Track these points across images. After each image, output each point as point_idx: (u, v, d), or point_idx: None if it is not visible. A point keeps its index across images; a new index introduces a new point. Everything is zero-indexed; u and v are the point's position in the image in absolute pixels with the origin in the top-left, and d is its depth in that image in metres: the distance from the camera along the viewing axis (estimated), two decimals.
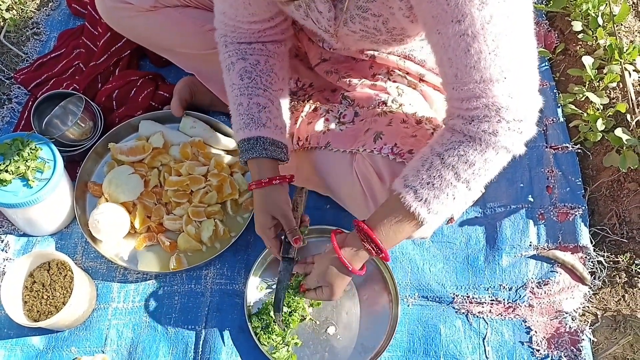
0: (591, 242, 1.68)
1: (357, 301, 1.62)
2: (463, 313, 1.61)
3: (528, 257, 1.67)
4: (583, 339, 1.55)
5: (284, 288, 1.45)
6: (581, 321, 1.59)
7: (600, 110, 1.77)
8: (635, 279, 1.63)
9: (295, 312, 1.55)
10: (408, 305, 1.62)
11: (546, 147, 1.82)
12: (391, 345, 1.54)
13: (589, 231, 1.69)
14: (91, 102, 1.83)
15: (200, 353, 1.55)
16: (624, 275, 1.64)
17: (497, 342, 1.57)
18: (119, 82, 1.92)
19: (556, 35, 2.02)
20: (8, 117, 1.93)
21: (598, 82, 1.82)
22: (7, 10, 2.18)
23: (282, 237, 1.45)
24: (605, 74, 1.78)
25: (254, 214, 1.44)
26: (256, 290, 1.62)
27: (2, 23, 2.15)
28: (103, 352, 1.57)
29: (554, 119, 1.86)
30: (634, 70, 1.79)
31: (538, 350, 1.55)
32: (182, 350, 1.56)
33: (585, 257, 1.66)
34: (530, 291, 1.63)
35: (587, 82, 1.82)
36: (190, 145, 1.79)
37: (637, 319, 1.58)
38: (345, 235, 1.32)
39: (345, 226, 1.53)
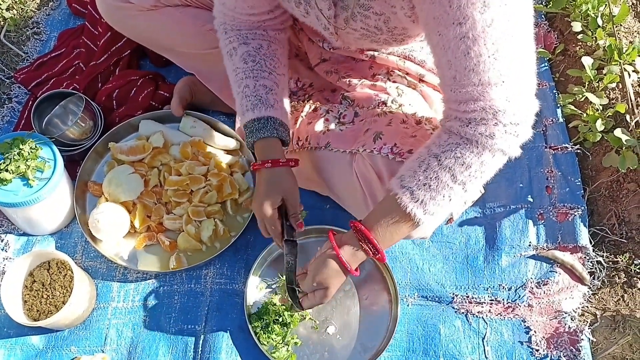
0: (590, 242, 1.68)
1: (356, 301, 1.62)
2: (462, 313, 1.61)
3: (527, 257, 1.67)
4: (582, 339, 1.56)
5: (292, 270, 1.41)
6: (580, 321, 1.59)
7: (599, 111, 1.78)
8: (635, 279, 1.63)
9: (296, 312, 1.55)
10: (408, 305, 1.62)
11: (546, 148, 1.82)
12: (391, 345, 1.54)
13: (588, 231, 1.70)
14: (91, 102, 1.83)
15: (200, 352, 1.55)
16: (623, 275, 1.64)
17: (497, 341, 1.57)
18: (119, 81, 1.92)
19: (556, 35, 2.02)
20: (8, 117, 1.93)
21: (597, 82, 1.82)
22: (8, 9, 2.18)
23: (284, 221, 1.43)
24: (605, 75, 1.79)
25: (256, 196, 1.41)
26: (256, 289, 1.63)
27: (2, 22, 2.15)
28: (103, 352, 1.57)
29: (554, 120, 1.86)
30: (633, 71, 1.80)
31: (537, 350, 1.56)
32: (182, 350, 1.56)
33: (585, 257, 1.66)
34: (529, 291, 1.63)
35: (587, 83, 1.83)
36: (190, 145, 1.79)
37: (636, 319, 1.58)
38: (341, 236, 1.32)
39: (345, 226, 1.53)
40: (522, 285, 1.64)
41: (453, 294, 1.63)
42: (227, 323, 1.59)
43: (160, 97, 1.93)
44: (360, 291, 1.63)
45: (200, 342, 1.57)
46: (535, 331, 1.58)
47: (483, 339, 1.58)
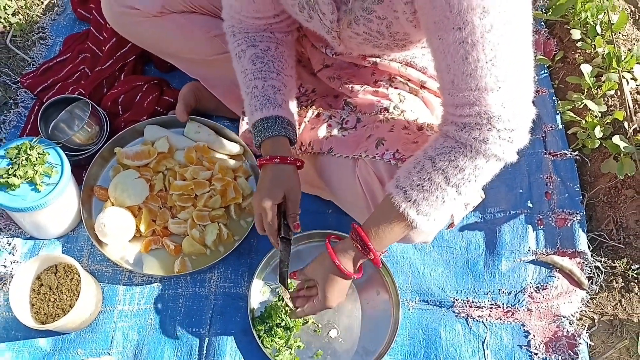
0: (589, 248, 1.70)
1: (358, 305, 1.64)
2: (463, 317, 1.63)
3: (527, 262, 1.70)
4: (580, 343, 1.58)
5: (286, 267, 1.44)
6: (578, 325, 1.62)
7: (598, 118, 1.80)
8: (632, 284, 1.65)
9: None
10: (409, 309, 1.64)
11: (545, 154, 1.84)
12: (392, 349, 1.56)
13: (587, 237, 1.72)
14: (97, 107, 1.85)
15: (204, 355, 1.57)
16: (621, 280, 1.66)
17: (497, 345, 1.60)
18: (125, 87, 1.95)
19: (555, 43, 2.04)
20: (15, 122, 1.95)
21: (596, 89, 1.84)
22: (14, 14, 2.20)
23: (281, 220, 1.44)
24: (604, 82, 1.81)
25: (258, 190, 1.42)
26: (259, 293, 1.65)
27: (8, 27, 2.18)
28: (109, 354, 1.59)
29: (553, 126, 1.89)
30: (631, 79, 1.82)
31: (536, 354, 1.58)
32: (187, 353, 1.58)
33: (583, 262, 1.68)
34: (529, 295, 1.65)
35: (586, 90, 1.85)
36: (194, 150, 1.81)
37: (633, 323, 1.60)
38: (342, 241, 1.35)
39: (347, 230, 1.54)
40: (521, 290, 1.66)
41: (454, 298, 1.66)
42: (231, 326, 1.61)
43: (165, 103, 1.96)
44: (362, 295, 1.65)
45: (205, 345, 1.59)
46: (534, 335, 1.60)
47: (483, 342, 1.60)
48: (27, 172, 1.57)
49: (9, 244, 1.73)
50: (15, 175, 1.56)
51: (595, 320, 1.62)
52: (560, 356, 1.57)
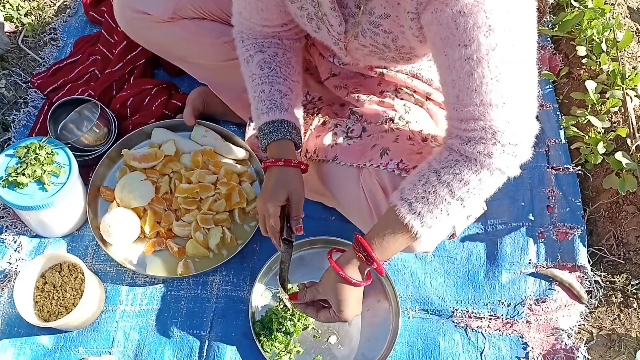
0: (589, 262, 1.71)
1: None
2: (462, 327, 1.64)
3: (527, 275, 1.71)
4: (578, 357, 1.59)
5: (287, 268, 1.45)
6: (577, 339, 1.62)
7: (601, 134, 1.81)
8: (631, 299, 1.66)
9: (298, 320, 1.59)
10: (408, 318, 1.65)
11: (548, 168, 1.86)
12: (391, 357, 1.57)
13: (587, 251, 1.73)
14: (106, 109, 1.87)
15: (204, 357, 1.58)
16: (620, 295, 1.67)
17: (495, 356, 1.61)
18: (134, 90, 1.97)
19: (561, 58, 2.06)
20: (24, 121, 1.97)
21: (600, 106, 1.86)
22: (26, 15, 2.23)
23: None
24: (608, 99, 1.82)
25: (262, 192, 1.43)
26: (261, 297, 1.66)
27: (20, 28, 2.20)
28: (110, 353, 1.60)
29: (556, 141, 1.90)
30: (635, 96, 1.83)
31: None
32: (187, 354, 1.59)
33: (583, 276, 1.69)
34: (528, 308, 1.66)
35: (590, 106, 1.87)
36: (201, 154, 1.83)
37: (631, 338, 1.61)
38: (344, 253, 1.35)
39: (350, 237, 1.57)
40: (521, 302, 1.67)
41: (453, 308, 1.67)
42: (231, 329, 1.62)
43: (173, 106, 1.97)
44: (363, 302, 1.64)
45: (205, 347, 1.60)
46: (532, 347, 1.61)
47: (481, 353, 1.61)
48: (35, 171, 1.59)
49: (15, 242, 1.75)
50: (23, 174, 1.58)
51: (594, 335, 1.63)
52: None
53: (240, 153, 1.86)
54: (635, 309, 1.65)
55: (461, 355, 1.60)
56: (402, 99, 1.58)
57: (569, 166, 1.85)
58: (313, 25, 1.36)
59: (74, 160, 1.66)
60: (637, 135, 1.77)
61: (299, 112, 1.48)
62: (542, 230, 1.77)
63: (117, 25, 1.91)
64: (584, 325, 1.65)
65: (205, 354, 1.59)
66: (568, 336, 1.62)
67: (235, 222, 1.78)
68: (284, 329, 1.58)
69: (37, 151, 1.61)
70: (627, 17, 2.12)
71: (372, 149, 1.45)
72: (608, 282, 1.69)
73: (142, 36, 1.82)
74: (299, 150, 1.48)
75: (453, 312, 1.66)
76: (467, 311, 1.66)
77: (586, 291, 1.67)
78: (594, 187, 1.83)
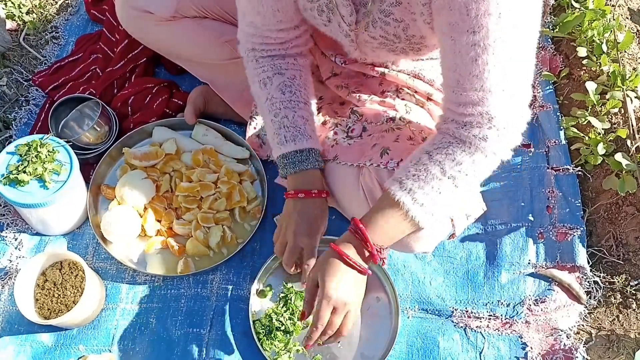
0: (588, 263, 1.72)
1: (358, 311, 1.65)
2: (461, 327, 1.65)
3: (526, 275, 1.71)
4: (577, 357, 1.59)
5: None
6: (576, 339, 1.63)
7: (601, 135, 1.82)
8: (630, 300, 1.67)
9: (298, 319, 1.59)
10: (408, 317, 1.66)
11: (548, 168, 1.86)
12: (390, 356, 1.58)
13: (586, 252, 1.73)
14: (107, 107, 1.87)
15: (204, 356, 1.59)
16: (619, 296, 1.68)
17: (494, 356, 1.61)
18: (135, 88, 1.97)
19: (561, 59, 2.06)
20: (25, 119, 1.98)
21: (600, 107, 1.86)
22: (27, 13, 2.23)
23: None
24: (608, 100, 1.83)
25: (298, 222, 1.42)
26: (260, 296, 1.66)
27: (22, 26, 2.21)
28: (110, 351, 1.61)
29: (556, 141, 1.90)
30: (635, 97, 1.83)
31: None
32: (187, 353, 1.60)
33: (582, 277, 1.69)
34: (527, 308, 1.66)
35: (590, 107, 1.87)
36: (201, 153, 1.83)
37: (630, 339, 1.61)
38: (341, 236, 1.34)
39: None
40: (520, 302, 1.67)
41: (453, 308, 1.67)
42: (231, 328, 1.63)
43: (175, 105, 1.98)
44: (363, 301, 1.66)
45: (205, 345, 1.61)
46: (531, 347, 1.61)
47: (480, 353, 1.61)
48: (36, 169, 1.59)
49: (16, 239, 1.76)
50: (25, 172, 1.58)
51: (593, 335, 1.64)
52: None
53: (241, 152, 1.86)
54: (634, 310, 1.65)
55: (460, 355, 1.61)
56: (403, 99, 1.58)
57: (568, 167, 1.86)
58: (323, 18, 1.36)
59: (75, 158, 1.66)
60: (637, 136, 1.77)
61: (318, 136, 1.49)
62: (542, 230, 1.77)
63: (119, 24, 1.92)
64: (583, 325, 1.65)
65: (205, 352, 1.60)
66: (567, 336, 1.63)
67: (235, 221, 1.79)
68: (283, 328, 1.59)
69: (39, 149, 1.61)
70: (627, 18, 2.12)
71: (372, 149, 1.45)
72: (607, 283, 1.70)
73: (143, 34, 1.82)
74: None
75: (452, 311, 1.66)
76: (467, 311, 1.66)
77: (585, 292, 1.68)
78: (594, 188, 1.83)
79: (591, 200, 1.82)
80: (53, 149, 1.64)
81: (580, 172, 1.85)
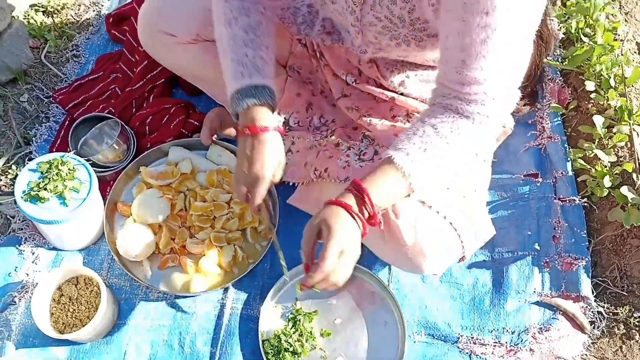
0: (592, 293, 1.74)
1: (365, 334, 1.68)
2: (467, 353, 1.67)
3: (531, 303, 1.73)
4: None
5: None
6: None
7: (607, 168, 1.85)
8: (633, 331, 1.68)
9: (306, 341, 1.62)
10: (414, 342, 1.68)
11: (555, 199, 1.89)
12: None
13: (591, 282, 1.75)
14: (126, 127, 1.92)
15: None
16: (622, 326, 1.70)
17: None
18: (153, 108, 2.01)
19: (569, 92, 2.09)
20: (45, 135, 2.02)
21: (607, 140, 1.89)
22: (49, 31, 2.28)
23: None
24: (615, 134, 1.86)
25: (255, 157, 1.42)
26: (270, 316, 1.69)
27: (43, 44, 2.26)
28: None
29: (563, 172, 1.93)
30: None
31: None
32: None
33: (586, 307, 1.71)
34: (532, 336, 1.68)
35: (597, 140, 1.90)
36: (216, 173, 1.86)
37: None
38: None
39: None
40: (525, 330, 1.69)
41: (458, 333, 1.69)
42: (241, 347, 1.65)
43: (191, 126, 2.02)
44: (370, 325, 1.69)
45: None
46: None
47: None
48: (57, 186, 1.63)
49: (33, 254, 1.79)
50: (45, 189, 1.62)
51: None
52: None
53: None
54: (637, 341, 1.67)
55: None
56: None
57: (575, 198, 1.88)
58: None
59: (95, 176, 1.70)
60: None
61: (276, 86, 1.49)
62: (548, 259, 1.79)
63: (139, 45, 1.95)
64: (586, 355, 1.67)
65: None
66: None
67: (247, 241, 1.82)
68: (292, 349, 1.62)
69: (60, 167, 1.65)
70: (635, 52, 2.16)
71: None
72: (611, 314, 1.72)
73: (163, 56, 1.85)
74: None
75: (458, 337, 1.69)
76: (472, 337, 1.69)
77: (589, 322, 1.70)
78: (599, 220, 1.86)
79: (596, 232, 1.85)
80: (73, 167, 1.68)
81: (586, 204, 1.87)
